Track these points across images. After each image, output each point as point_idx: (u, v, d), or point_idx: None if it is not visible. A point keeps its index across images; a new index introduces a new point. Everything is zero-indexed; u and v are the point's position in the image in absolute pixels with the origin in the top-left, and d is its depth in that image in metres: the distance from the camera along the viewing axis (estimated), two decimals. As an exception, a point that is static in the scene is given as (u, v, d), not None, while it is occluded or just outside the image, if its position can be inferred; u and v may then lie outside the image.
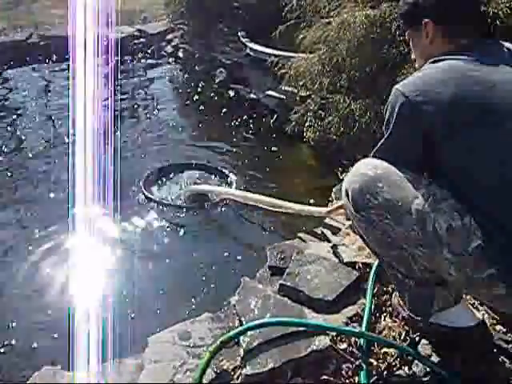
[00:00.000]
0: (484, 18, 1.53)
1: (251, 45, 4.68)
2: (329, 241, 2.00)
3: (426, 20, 1.35)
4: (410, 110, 1.24)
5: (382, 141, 1.34)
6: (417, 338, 1.43)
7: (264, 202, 2.51)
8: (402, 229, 1.24)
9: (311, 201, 2.67)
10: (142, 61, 6.24)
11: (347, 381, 1.36)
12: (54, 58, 5.73)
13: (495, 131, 1.19)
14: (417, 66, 1.47)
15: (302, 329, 1.44)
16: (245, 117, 4.30)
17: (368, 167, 1.30)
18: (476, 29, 1.35)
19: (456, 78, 1.22)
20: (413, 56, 1.50)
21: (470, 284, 1.22)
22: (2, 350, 1.99)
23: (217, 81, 5.23)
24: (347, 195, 1.35)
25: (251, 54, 4.70)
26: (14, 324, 2.11)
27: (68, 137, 3.78)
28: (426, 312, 1.39)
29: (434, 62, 1.31)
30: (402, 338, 1.46)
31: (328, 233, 2.09)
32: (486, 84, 1.21)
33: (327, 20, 3.08)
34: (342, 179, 2.59)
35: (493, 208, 1.18)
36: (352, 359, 1.39)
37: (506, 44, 1.34)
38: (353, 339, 1.44)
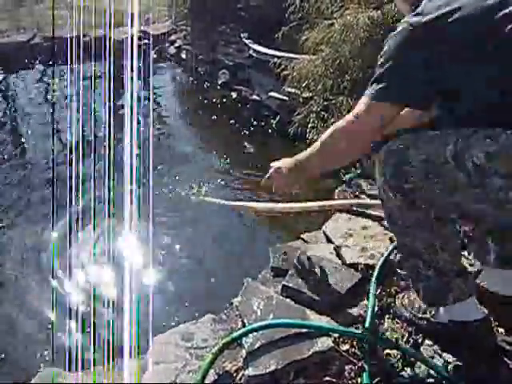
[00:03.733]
0: None
1: (254, 46, 4.69)
2: (331, 242, 1.99)
3: None
4: (415, 35, 1.24)
5: (381, 75, 1.35)
6: (420, 339, 1.43)
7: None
8: (446, 181, 1.21)
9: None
10: (145, 62, 6.25)
11: (350, 382, 1.36)
12: (57, 59, 5.75)
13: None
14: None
15: (304, 330, 1.44)
16: (247, 118, 4.30)
17: (392, 145, 1.29)
18: None
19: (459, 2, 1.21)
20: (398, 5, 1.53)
21: None
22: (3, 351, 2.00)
23: (220, 82, 5.24)
24: (385, 180, 1.31)
25: (254, 55, 4.71)
26: (15, 324, 2.11)
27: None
28: (441, 302, 1.38)
29: None
30: (404, 339, 1.45)
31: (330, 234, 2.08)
32: (487, 5, 1.19)
33: (330, 21, 3.09)
34: (344, 181, 2.61)
35: None
36: (355, 361, 1.39)
37: None
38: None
